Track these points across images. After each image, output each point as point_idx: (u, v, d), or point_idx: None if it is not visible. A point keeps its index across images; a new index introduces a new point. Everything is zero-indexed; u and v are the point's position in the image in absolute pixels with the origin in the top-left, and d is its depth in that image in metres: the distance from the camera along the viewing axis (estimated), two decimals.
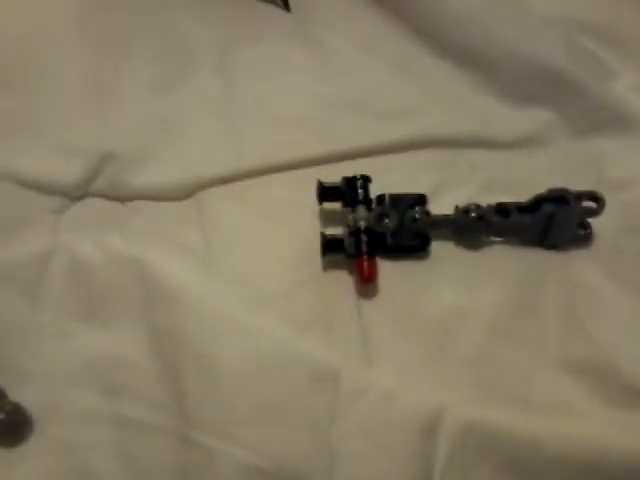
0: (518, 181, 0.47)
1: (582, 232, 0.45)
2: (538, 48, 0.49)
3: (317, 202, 0.44)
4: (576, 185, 0.44)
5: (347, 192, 0.44)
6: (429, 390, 0.39)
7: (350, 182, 0.44)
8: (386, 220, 0.43)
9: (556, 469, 0.37)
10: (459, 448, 0.37)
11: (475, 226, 0.44)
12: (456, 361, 0.41)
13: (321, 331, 0.41)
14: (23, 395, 0.39)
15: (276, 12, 0.56)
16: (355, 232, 0.42)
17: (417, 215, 0.43)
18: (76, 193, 0.46)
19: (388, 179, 0.46)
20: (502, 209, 0.44)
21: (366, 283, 0.42)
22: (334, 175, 0.45)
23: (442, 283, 0.43)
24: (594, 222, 0.45)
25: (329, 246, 0.42)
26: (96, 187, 0.47)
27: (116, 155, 0.47)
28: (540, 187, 0.44)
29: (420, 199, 0.44)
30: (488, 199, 0.45)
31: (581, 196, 0.44)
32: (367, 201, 0.43)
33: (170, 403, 0.39)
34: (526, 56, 0.49)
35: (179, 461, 0.37)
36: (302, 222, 0.45)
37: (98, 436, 0.39)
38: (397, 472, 0.37)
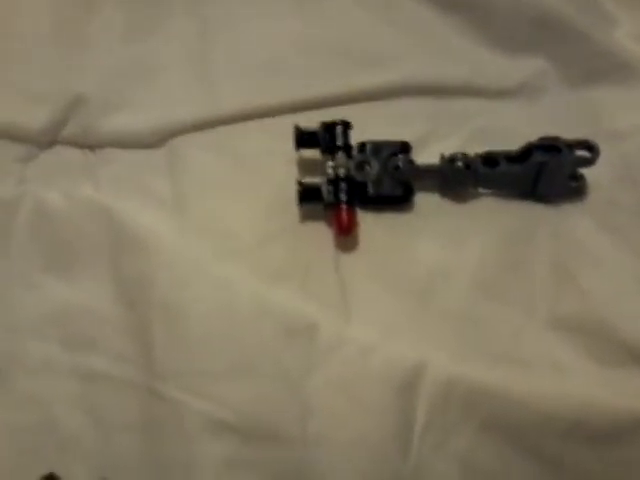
0: (510, 132, 0.45)
1: (575, 184, 0.43)
2: None
3: (294, 149, 0.42)
4: (571, 136, 0.42)
5: (326, 138, 0.41)
6: (409, 345, 0.37)
7: (329, 128, 0.41)
8: (367, 168, 0.41)
9: (544, 428, 0.35)
10: (440, 406, 0.35)
11: (461, 176, 0.42)
12: (439, 316, 0.39)
13: (297, 283, 0.39)
14: None
15: None
16: (334, 180, 0.40)
17: (400, 163, 0.41)
18: (44, 140, 0.44)
19: (371, 128, 0.43)
20: (490, 158, 0.42)
21: (345, 234, 0.40)
22: (314, 123, 0.43)
23: (426, 236, 0.41)
24: (588, 174, 0.42)
25: (306, 194, 0.40)
26: (65, 134, 0.45)
27: (86, 100, 0.45)
28: (533, 138, 0.42)
29: (404, 147, 0.42)
30: (477, 150, 0.42)
31: (574, 145, 0.41)
32: (347, 148, 0.41)
33: (137, 355, 0.37)
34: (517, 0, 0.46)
35: (145, 415, 0.36)
36: (278, 170, 0.42)
37: (62, 389, 0.37)
38: (373, 428, 0.35)
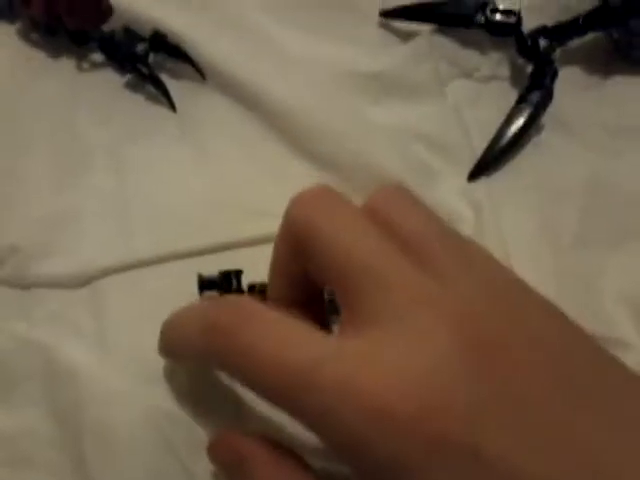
0: None
1: None
2: (377, 158, 0.60)
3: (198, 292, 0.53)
4: None
5: (223, 283, 0.53)
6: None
7: (226, 275, 0.53)
8: None
9: None
10: None
11: None
12: None
13: (197, 403, 0.49)
14: None
15: (164, 112, 0.64)
16: None
17: None
18: None
19: (260, 267, 0.54)
20: None
21: None
22: (214, 264, 0.54)
23: None
24: None
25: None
26: (0, 276, 0.53)
27: (19, 248, 0.54)
28: None
29: None
30: None
31: None
32: (240, 290, 0.53)
33: (71, 469, 0.46)
34: (369, 164, 0.60)
35: None
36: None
37: None
38: None
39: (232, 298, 0.45)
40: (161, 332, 0.47)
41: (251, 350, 0.36)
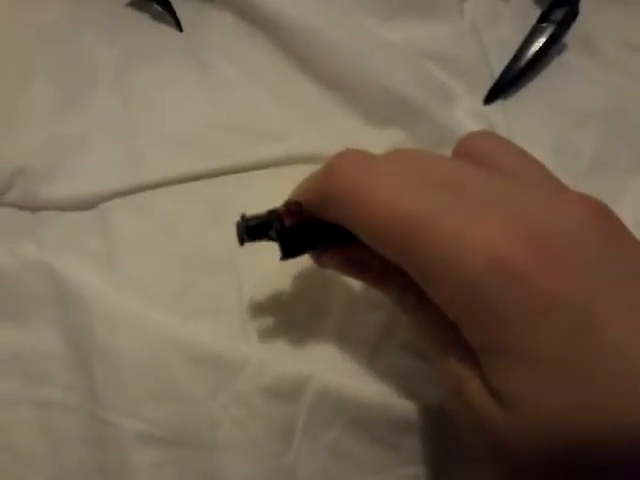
0: None
1: None
2: (391, 78, 0.58)
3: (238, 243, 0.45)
4: None
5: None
6: (296, 362, 0.48)
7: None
8: None
9: (390, 424, 0.47)
10: (317, 411, 0.47)
11: None
12: (320, 339, 0.50)
13: (205, 322, 0.49)
14: None
15: (170, 31, 0.62)
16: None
17: None
18: None
19: (263, 189, 0.53)
20: None
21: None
22: (223, 187, 0.54)
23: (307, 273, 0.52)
24: None
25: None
26: (8, 198, 0.53)
27: (26, 170, 0.53)
28: None
29: None
30: None
31: None
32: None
33: (82, 386, 0.47)
34: (381, 84, 0.58)
35: (89, 432, 0.46)
36: (191, 229, 0.53)
37: (21, 415, 0.47)
38: (266, 434, 0.46)
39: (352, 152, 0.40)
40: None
41: (368, 198, 0.35)
